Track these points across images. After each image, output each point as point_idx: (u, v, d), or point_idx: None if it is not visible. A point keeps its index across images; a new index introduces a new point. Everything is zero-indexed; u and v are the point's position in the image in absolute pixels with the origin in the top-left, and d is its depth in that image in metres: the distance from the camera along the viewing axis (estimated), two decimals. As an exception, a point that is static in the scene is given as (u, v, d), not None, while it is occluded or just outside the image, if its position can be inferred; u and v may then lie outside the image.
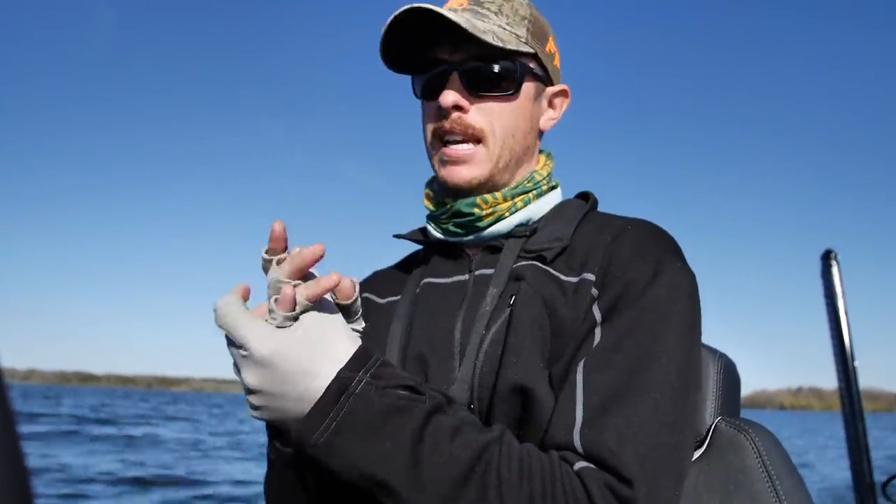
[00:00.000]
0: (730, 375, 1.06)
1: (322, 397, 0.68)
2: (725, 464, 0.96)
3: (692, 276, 0.87)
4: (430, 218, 1.01)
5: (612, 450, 0.71)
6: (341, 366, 0.70)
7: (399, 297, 1.00)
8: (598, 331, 0.81)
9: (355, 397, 0.68)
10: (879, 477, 1.89)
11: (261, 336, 0.69)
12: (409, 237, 1.05)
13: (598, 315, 0.82)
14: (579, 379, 0.77)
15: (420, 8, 0.88)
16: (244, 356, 0.70)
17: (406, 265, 1.08)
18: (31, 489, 0.27)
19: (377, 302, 1.03)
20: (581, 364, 0.78)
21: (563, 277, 0.87)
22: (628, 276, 0.83)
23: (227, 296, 0.72)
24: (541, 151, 1.05)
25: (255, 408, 0.71)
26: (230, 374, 0.76)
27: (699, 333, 0.84)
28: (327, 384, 0.69)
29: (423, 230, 1.05)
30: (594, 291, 0.84)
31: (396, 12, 0.89)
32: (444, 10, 0.87)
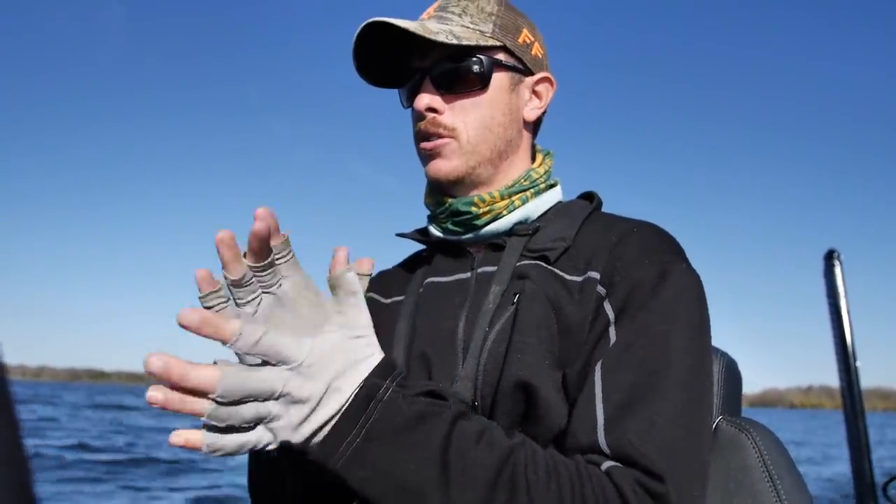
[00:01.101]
0: (731, 374, 1.06)
1: (351, 404, 0.66)
2: (726, 463, 0.96)
3: (698, 278, 0.88)
4: (431, 217, 1.03)
5: (639, 447, 0.71)
6: (366, 373, 0.69)
7: (403, 297, 1.01)
8: (612, 330, 0.81)
9: (384, 404, 0.67)
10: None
11: (302, 343, 0.65)
12: (410, 236, 1.06)
13: (610, 314, 0.82)
14: (598, 379, 0.77)
15: (375, 23, 0.91)
16: (291, 369, 0.64)
17: (410, 265, 1.09)
18: (33, 487, 0.27)
19: (382, 302, 1.04)
20: (598, 365, 0.78)
21: (567, 277, 0.88)
22: (636, 276, 0.84)
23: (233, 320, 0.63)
24: (539, 150, 1.06)
25: (293, 426, 0.65)
26: None
27: (709, 334, 0.85)
28: (354, 391, 0.67)
29: (425, 229, 1.06)
30: (601, 290, 0.84)
31: (356, 32, 0.93)
32: (395, 21, 0.90)
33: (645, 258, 0.86)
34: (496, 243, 0.96)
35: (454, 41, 0.92)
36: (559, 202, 1.02)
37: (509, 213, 0.96)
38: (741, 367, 1.11)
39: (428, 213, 1.04)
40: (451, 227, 0.98)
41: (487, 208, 0.95)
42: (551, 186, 1.02)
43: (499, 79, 0.97)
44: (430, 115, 0.95)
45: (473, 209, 0.95)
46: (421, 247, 1.09)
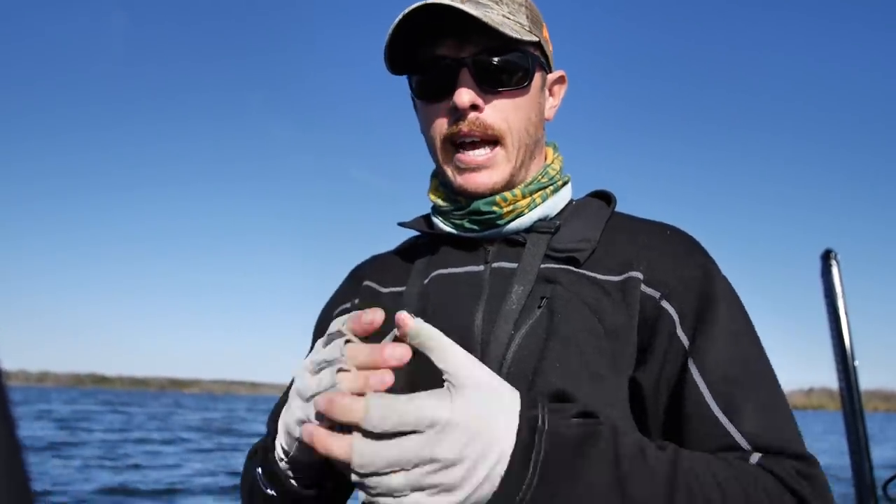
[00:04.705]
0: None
1: (517, 445, 0.61)
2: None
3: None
4: (437, 210, 0.97)
5: (779, 435, 0.74)
6: (517, 409, 0.64)
7: (403, 287, 0.96)
8: (680, 331, 0.81)
9: (548, 434, 0.63)
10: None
11: (441, 401, 0.60)
12: (414, 226, 1.01)
13: (673, 313, 0.82)
14: (700, 382, 0.78)
15: (434, 5, 0.82)
16: (433, 431, 0.59)
17: (408, 253, 1.03)
18: (32, 489, 0.27)
19: (379, 290, 0.99)
20: (692, 368, 0.79)
21: (601, 277, 0.86)
22: (692, 276, 0.84)
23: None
24: (547, 143, 1.02)
25: (451, 489, 0.59)
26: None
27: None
28: (516, 428, 0.62)
29: (428, 219, 1.01)
30: (651, 291, 0.84)
31: (407, 10, 0.84)
32: (459, 5, 0.82)
33: (690, 259, 0.86)
34: (512, 238, 0.92)
35: (517, 35, 0.85)
36: (571, 199, 1.00)
37: (530, 210, 0.92)
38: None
39: (433, 205, 0.98)
40: (467, 225, 0.93)
41: (510, 207, 0.91)
42: (565, 183, 0.99)
43: (536, 78, 0.91)
44: (473, 114, 0.87)
45: (496, 209, 0.90)
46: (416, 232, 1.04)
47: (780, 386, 0.81)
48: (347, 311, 1.01)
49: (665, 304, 0.83)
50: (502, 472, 0.61)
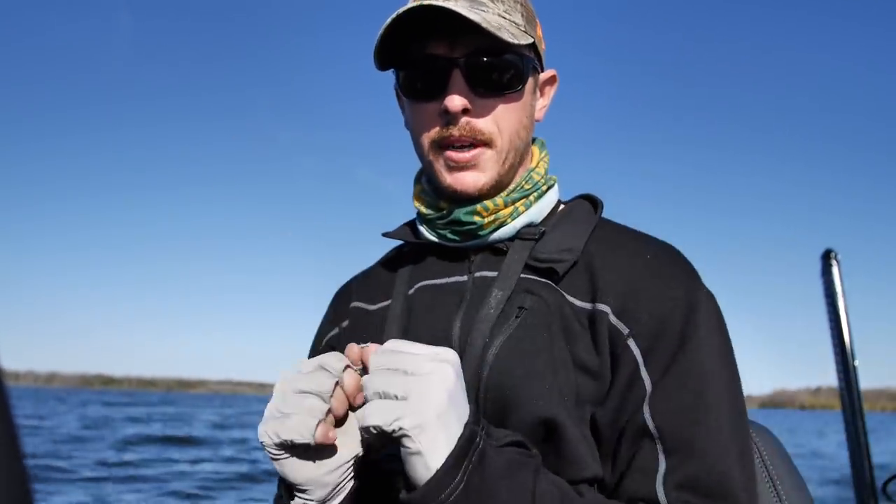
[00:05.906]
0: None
1: (456, 448, 0.65)
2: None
3: (715, 301, 0.85)
4: (424, 220, 0.95)
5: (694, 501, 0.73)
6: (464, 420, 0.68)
7: (390, 301, 0.95)
8: (643, 371, 0.79)
9: (479, 452, 0.66)
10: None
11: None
12: (399, 236, 0.99)
13: (638, 355, 0.80)
14: (651, 427, 0.76)
15: (430, 6, 0.80)
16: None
17: (393, 263, 1.01)
18: (31, 489, 0.27)
19: (367, 309, 0.98)
20: (647, 410, 0.77)
21: (576, 303, 0.84)
22: (660, 313, 0.81)
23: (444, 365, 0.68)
24: (532, 141, 0.98)
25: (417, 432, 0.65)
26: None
27: (735, 360, 0.84)
28: (459, 434, 0.66)
29: (413, 227, 0.99)
30: (620, 326, 0.81)
31: (401, 10, 0.82)
32: (454, 5, 0.80)
33: (667, 291, 0.82)
34: (497, 247, 0.91)
35: (514, 40, 0.82)
36: (559, 202, 0.97)
37: (513, 219, 0.90)
38: (749, 369, 1.12)
39: (417, 212, 0.97)
40: (450, 235, 0.91)
41: (492, 217, 0.88)
42: (550, 186, 0.95)
43: (530, 80, 0.89)
44: (464, 118, 0.84)
45: (477, 219, 0.88)
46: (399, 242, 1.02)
47: (741, 431, 0.78)
48: (337, 336, 1.00)
49: (631, 342, 0.80)
50: (439, 464, 0.64)
